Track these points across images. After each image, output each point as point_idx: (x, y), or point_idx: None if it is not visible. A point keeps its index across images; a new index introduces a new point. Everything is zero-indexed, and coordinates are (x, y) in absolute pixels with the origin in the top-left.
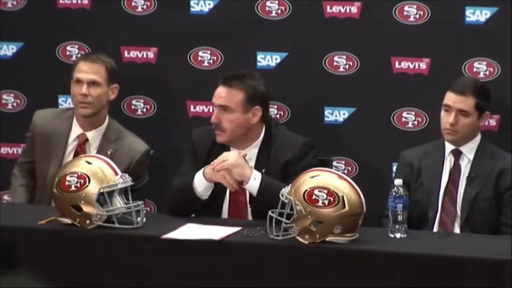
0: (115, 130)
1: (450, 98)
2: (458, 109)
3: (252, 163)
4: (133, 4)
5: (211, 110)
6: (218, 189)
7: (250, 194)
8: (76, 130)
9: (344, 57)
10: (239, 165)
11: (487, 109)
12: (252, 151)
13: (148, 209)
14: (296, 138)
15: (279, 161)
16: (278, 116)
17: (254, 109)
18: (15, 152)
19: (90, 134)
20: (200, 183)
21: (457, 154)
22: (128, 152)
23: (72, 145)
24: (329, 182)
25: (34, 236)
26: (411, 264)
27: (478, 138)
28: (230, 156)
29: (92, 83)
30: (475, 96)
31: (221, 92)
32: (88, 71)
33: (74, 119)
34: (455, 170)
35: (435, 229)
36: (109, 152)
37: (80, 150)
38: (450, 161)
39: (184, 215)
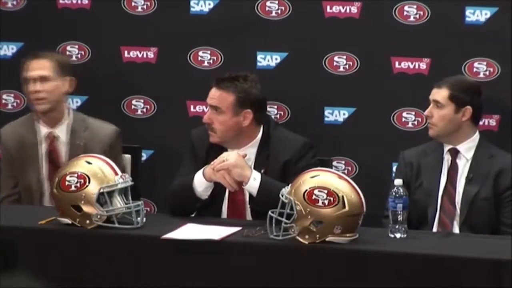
0: (80, 121)
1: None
2: (433, 101)
3: (250, 163)
4: (133, 4)
5: None
6: (217, 189)
7: (250, 194)
8: (42, 130)
9: (344, 57)
10: (239, 166)
11: (469, 104)
12: (250, 151)
13: (148, 209)
14: (295, 138)
15: (279, 161)
16: (278, 116)
17: (244, 112)
18: None
19: (57, 131)
20: (200, 183)
21: (454, 153)
22: (100, 138)
23: (44, 146)
24: (329, 182)
25: (34, 236)
26: (411, 264)
27: (475, 137)
28: (230, 156)
29: (41, 79)
30: (450, 88)
31: (214, 94)
32: (35, 68)
33: (37, 121)
34: (453, 169)
35: (435, 229)
36: (80, 143)
37: (52, 148)
38: (447, 160)
39: (184, 215)
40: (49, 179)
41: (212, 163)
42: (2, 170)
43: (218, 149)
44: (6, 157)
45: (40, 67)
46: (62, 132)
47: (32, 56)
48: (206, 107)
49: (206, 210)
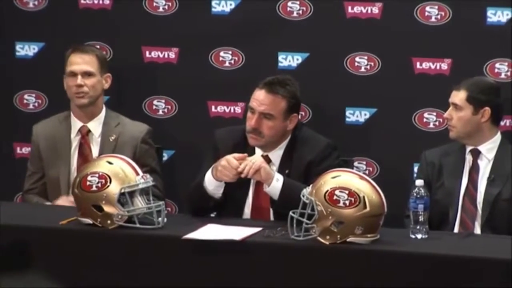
0: (113, 117)
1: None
2: (452, 103)
3: (276, 165)
4: (154, 4)
5: (232, 111)
6: (239, 195)
7: (272, 199)
8: (76, 124)
9: (366, 57)
10: (266, 165)
11: (487, 105)
12: (277, 153)
13: (169, 209)
14: (319, 139)
15: (302, 161)
16: (299, 116)
17: (292, 116)
18: None
19: (90, 125)
20: (210, 182)
21: (475, 153)
22: (131, 135)
23: (75, 140)
24: (350, 182)
25: (55, 236)
26: (433, 265)
27: (497, 138)
28: (255, 158)
29: (85, 74)
30: (467, 89)
31: (264, 99)
32: (81, 63)
33: (72, 116)
34: (474, 169)
35: (456, 229)
36: (112, 139)
37: (84, 142)
38: (469, 160)
39: (200, 214)
40: (78, 172)
41: (220, 163)
42: (29, 167)
43: (241, 150)
44: (35, 153)
45: (85, 61)
46: (95, 126)
47: (77, 49)
48: (227, 108)
49: (228, 213)
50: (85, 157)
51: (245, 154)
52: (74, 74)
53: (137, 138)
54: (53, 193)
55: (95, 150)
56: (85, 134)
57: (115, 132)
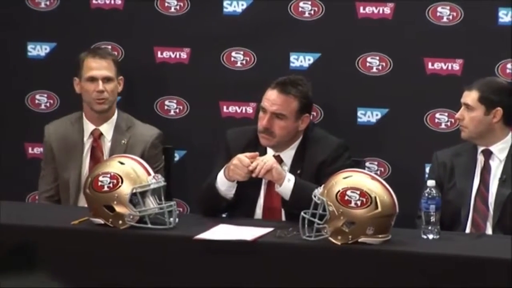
0: (125, 120)
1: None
2: (463, 103)
3: (287, 165)
4: (166, 4)
5: (243, 111)
6: (250, 195)
7: (283, 199)
8: (88, 127)
9: (377, 58)
10: (277, 165)
11: (499, 106)
12: (289, 154)
13: (181, 209)
14: (331, 139)
15: (314, 162)
16: (311, 117)
17: (304, 116)
18: None
19: (103, 128)
20: (222, 182)
21: (487, 154)
22: (141, 138)
23: (88, 143)
24: (362, 183)
25: (67, 236)
26: (444, 265)
27: (509, 138)
28: (267, 158)
29: (105, 79)
30: (479, 90)
31: (276, 99)
32: (100, 68)
33: (84, 118)
34: (486, 170)
35: (468, 230)
36: (123, 142)
37: (96, 145)
38: (481, 161)
39: (212, 215)
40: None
41: (232, 162)
42: (43, 168)
43: (253, 150)
44: (48, 154)
45: (105, 67)
46: (107, 129)
47: (94, 53)
48: (239, 108)
49: (240, 213)
50: (97, 160)
51: (256, 153)
52: (94, 79)
53: (147, 142)
54: (64, 196)
55: (106, 153)
56: (97, 137)
57: (126, 135)
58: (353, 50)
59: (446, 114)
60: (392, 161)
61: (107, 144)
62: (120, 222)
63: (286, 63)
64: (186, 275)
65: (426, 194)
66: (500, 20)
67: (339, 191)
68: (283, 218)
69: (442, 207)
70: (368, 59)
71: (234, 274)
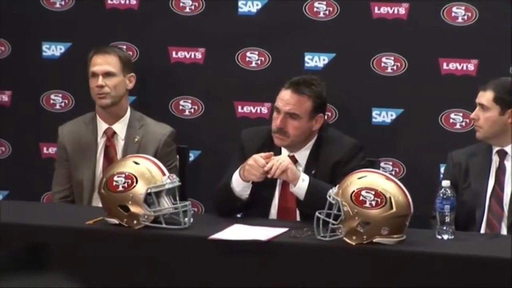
0: (138, 118)
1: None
2: (478, 104)
3: (302, 165)
4: (181, 4)
5: (258, 111)
6: (265, 196)
7: (297, 199)
8: (102, 126)
9: (392, 58)
10: (292, 165)
11: None
12: (304, 154)
13: (196, 209)
14: (345, 140)
15: (328, 162)
16: (326, 117)
17: (318, 116)
18: None
19: (115, 127)
20: (237, 183)
21: (502, 154)
22: (154, 136)
23: (101, 142)
24: (377, 183)
25: (81, 236)
26: (459, 265)
27: None
28: (282, 158)
29: (106, 74)
30: (494, 90)
31: (290, 99)
32: (102, 63)
33: (97, 117)
34: (500, 170)
35: (483, 230)
36: (136, 139)
37: (109, 144)
38: (496, 161)
39: (227, 215)
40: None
41: (248, 163)
42: (56, 168)
43: (268, 151)
44: (62, 155)
45: (106, 62)
46: (120, 128)
47: (99, 50)
48: (254, 108)
49: (254, 213)
50: (110, 159)
51: (271, 153)
52: (95, 75)
53: (159, 140)
54: (78, 196)
55: (120, 152)
56: (110, 136)
57: (139, 133)
58: (368, 50)
59: (461, 114)
60: (407, 161)
61: (120, 143)
62: (135, 222)
63: (301, 63)
64: (201, 275)
65: (441, 195)
66: None
67: (354, 191)
68: (298, 218)
69: (457, 207)
70: (383, 59)
71: (248, 274)
